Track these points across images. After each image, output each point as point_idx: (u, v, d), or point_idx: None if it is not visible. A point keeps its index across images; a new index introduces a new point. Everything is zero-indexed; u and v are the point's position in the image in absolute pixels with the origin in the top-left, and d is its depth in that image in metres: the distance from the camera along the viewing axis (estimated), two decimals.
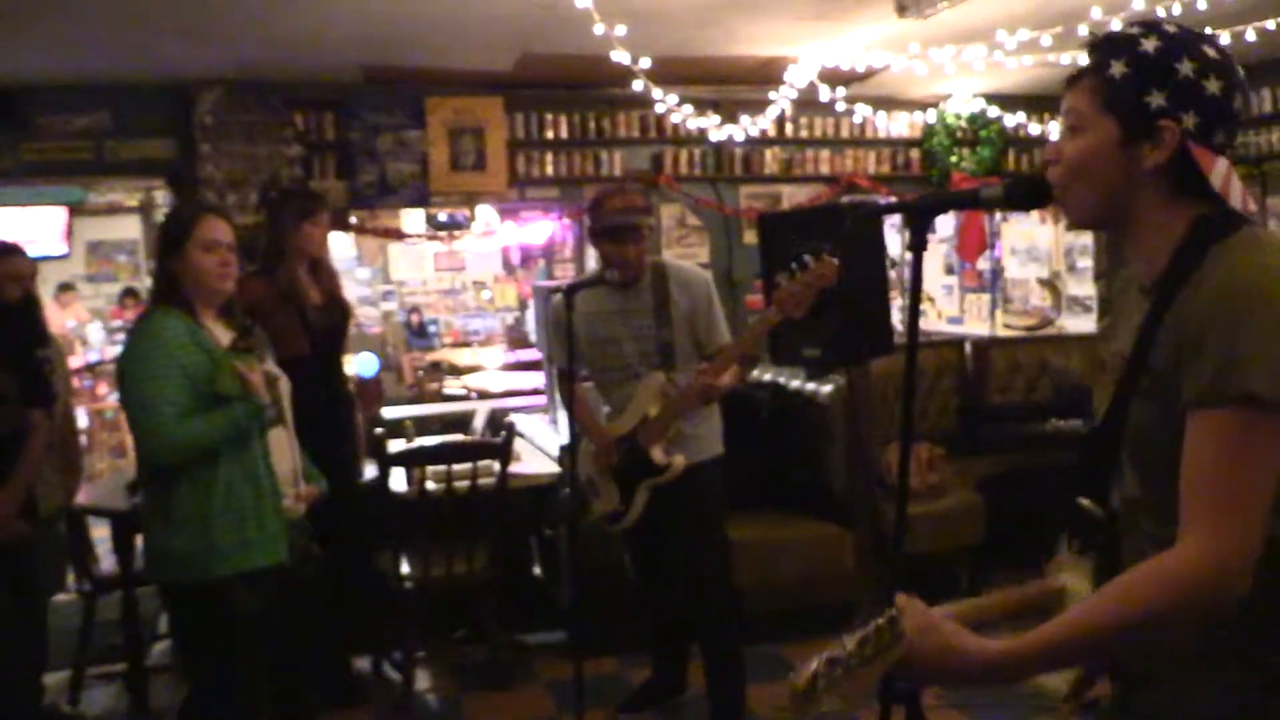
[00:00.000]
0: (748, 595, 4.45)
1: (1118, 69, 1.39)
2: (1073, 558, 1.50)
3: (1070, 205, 1.47)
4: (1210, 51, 1.39)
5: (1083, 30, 4.41)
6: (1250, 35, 4.44)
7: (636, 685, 3.93)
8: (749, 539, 4.50)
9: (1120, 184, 1.41)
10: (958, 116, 6.51)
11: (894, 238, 6.31)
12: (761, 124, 5.94)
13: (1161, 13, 4.21)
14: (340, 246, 6.40)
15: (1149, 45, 1.38)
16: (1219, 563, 1.25)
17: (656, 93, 5.22)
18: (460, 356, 7.99)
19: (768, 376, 5.20)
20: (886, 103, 6.31)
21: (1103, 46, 1.44)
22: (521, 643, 4.47)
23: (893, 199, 2.05)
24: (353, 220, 6.09)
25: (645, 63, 4.73)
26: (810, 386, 4.91)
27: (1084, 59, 1.47)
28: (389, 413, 5.27)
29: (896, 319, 4.63)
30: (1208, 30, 3.83)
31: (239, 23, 4.42)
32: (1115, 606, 1.29)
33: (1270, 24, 4.36)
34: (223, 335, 2.76)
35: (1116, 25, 4.33)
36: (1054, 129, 6.28)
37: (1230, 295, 1.28)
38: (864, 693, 1.31)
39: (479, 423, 5.13)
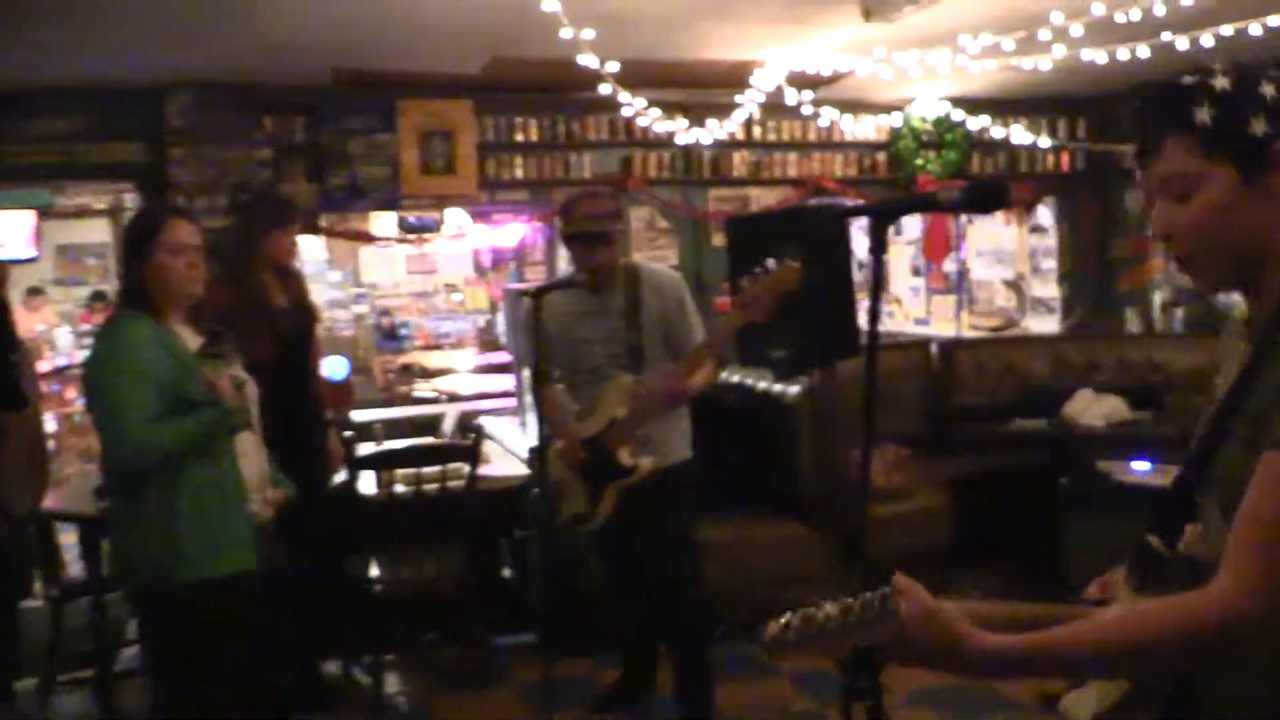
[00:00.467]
0: (717, 596, 4.48)
1: (1205, 114, 1.32)
2: (1127, 592, 1.46)
3: (1204, 272, 1.39)
4: (1271, 73, 1.36)
5: (1043, 35, 4.48)
6: (1208, 41, 4.52)
7: (607, 686, 3.95)
8: (718, 540, 4.53)
9: (1259, 226, 1.33)
10: (923, 120, 6.58)
11: (861, 240, 6.37)
12: (729, 127, 5.98)
13: (1120, 19, 4.28)
14: (311, 250, 6.38)
15: (1222, 82, 1.33)
16: (1251, 610, 1.22)
17: (625, 96, 5.24)
18: (431, 359, 7.97)
19: (736, 378, 5.23)
20: (853, 106, 6.37)
21: (1171, 104, 1.36)
22: (492, 645, 4.47)
23: (859, 201, 2.08)
24: (323, 223, 6.07)
25: (613, 66, 4.75)
26: (778, 388, 4.95)
27: (1137, 127, 1.40)
28: (359, 416, 5.26)
29: (863, 321, 4.68)
30: (1165, 36, 3.88)
31: (210, 26, 4.41)
32: (1127, 628, 1.28)
33: (1228, 29, 4.44)
34: (190, 339, 2.75)
35: (1078, 30, 4.41)
36: (1015, 132, 6.36)
37: None
38: (833, 657, 1.32)
39: (448, 425, 5.13)
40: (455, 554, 4.09)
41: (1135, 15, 4.25)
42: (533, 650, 4.31)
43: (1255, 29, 4.38)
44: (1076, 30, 4.41)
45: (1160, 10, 4.20)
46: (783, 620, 1.28)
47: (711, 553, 4.48)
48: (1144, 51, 4.70)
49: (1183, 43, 4.51)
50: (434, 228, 7.95)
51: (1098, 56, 4.84)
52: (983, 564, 4.97)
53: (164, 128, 5.43)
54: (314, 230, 5.97)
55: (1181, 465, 1.43)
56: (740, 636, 4.45)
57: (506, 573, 4.83)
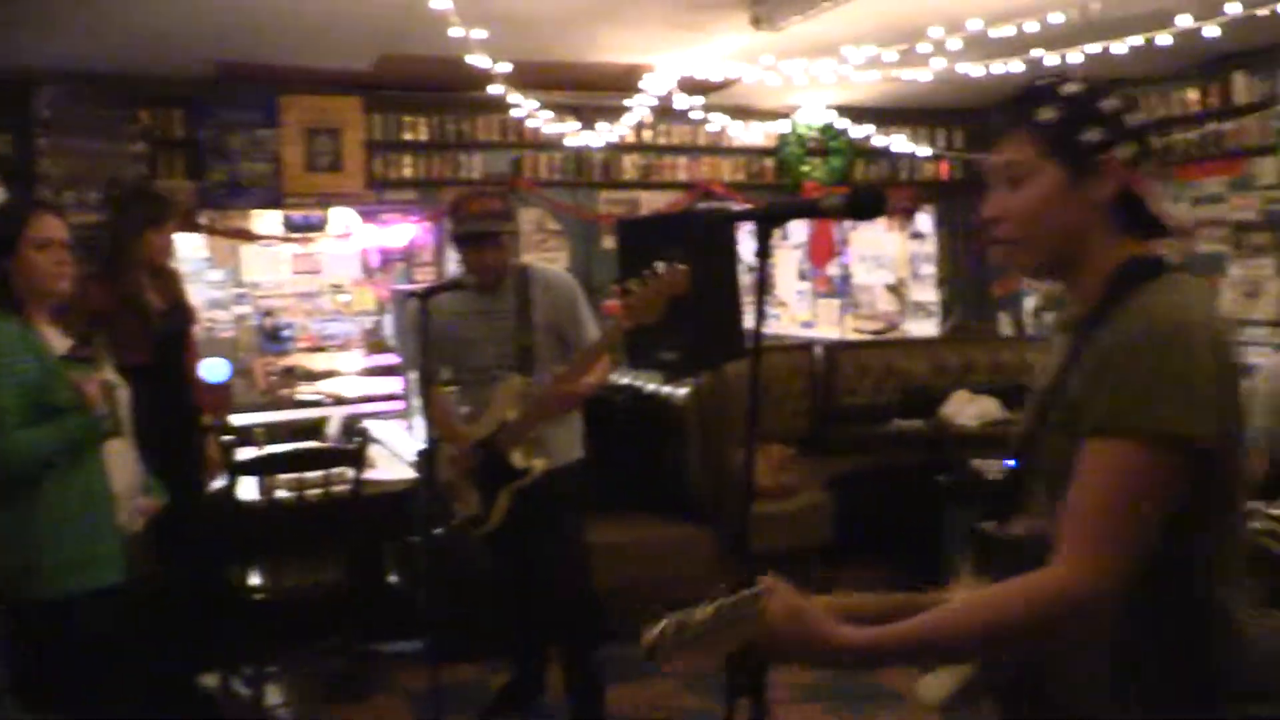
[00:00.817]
0: (607, 597, 4.49)
1: (1048, 114, 1.42)
2: (969, 577, 1.53)
3: (1025, 257, 1.48)
4: (1121, 92, 1.45)
5: (923, 48, 4.63)
6: (1075, 58, 4.73)
7: (496, 690, 3.92)
8: (608, 541, 4.53)
9: (1074, 224, 1.43)
10: (809, 127, 6.73)
11: (748, 244, 6.47)
12: (620, 130, 6.02)
13: (995, 34, 4.45)
14: (190, 248, 6.15)
15: (1071, 88, 1.43)
16: (1086, 588, 1.29)
17: (516, 97, 5.22)
18: (315, 361, 7.78)
19: (625, 380, 5.26)
20: (742, 112, 6.47)
21: (1025, 99, 1.46)
22: (378, 652, 4.39)
23: (747, 206, 2.12)
24: (202, 221, 5.88)
25: (505, 67, 4.73)
26: (667, 389, 4.99)
27: (999, 119, 1.49)
28: (240, 420, 5.11)
29: (750, 323, 4.75)
30: (1037, 52, 4.08)
31: (82, 15, 4.23)
32: (980, 613, 1.34)
33: (1095, 48, 4.66)
34: (57, 341, 2.63)
35: (955, 44, 4.58)
36: (896, 141, 6.56)
37: (1136, 333, 1.32)
38: (713, 659, 1.34)
39: (333, 429, 5.02)
40: (340, 560, 4.01)
41: (1009, 31, 4.43)
42: (420, 657, 4.25)
43: (1119, 48, 4.61)
44: (954, 44, 4.57)
45: (1032, 27, 4.39)
46: (659, 627, 1.30)
47: (601, 554, 4.48)
48: (1017, 66, 4.91)
49: (1052, 58, 4.71)
50: (320, 227, 7.76)
51: (973, 70, 5.03)
52: (864, 560, 5.10)
53: (32, 119, 5.19)
54: (192, 228, 5.78)
55: (1015, 451, 1.52)
56: (630, 637, 4.49)
57: (393, 578, 4.75)
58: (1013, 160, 1.44)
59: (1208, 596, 1.38)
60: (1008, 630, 1.32)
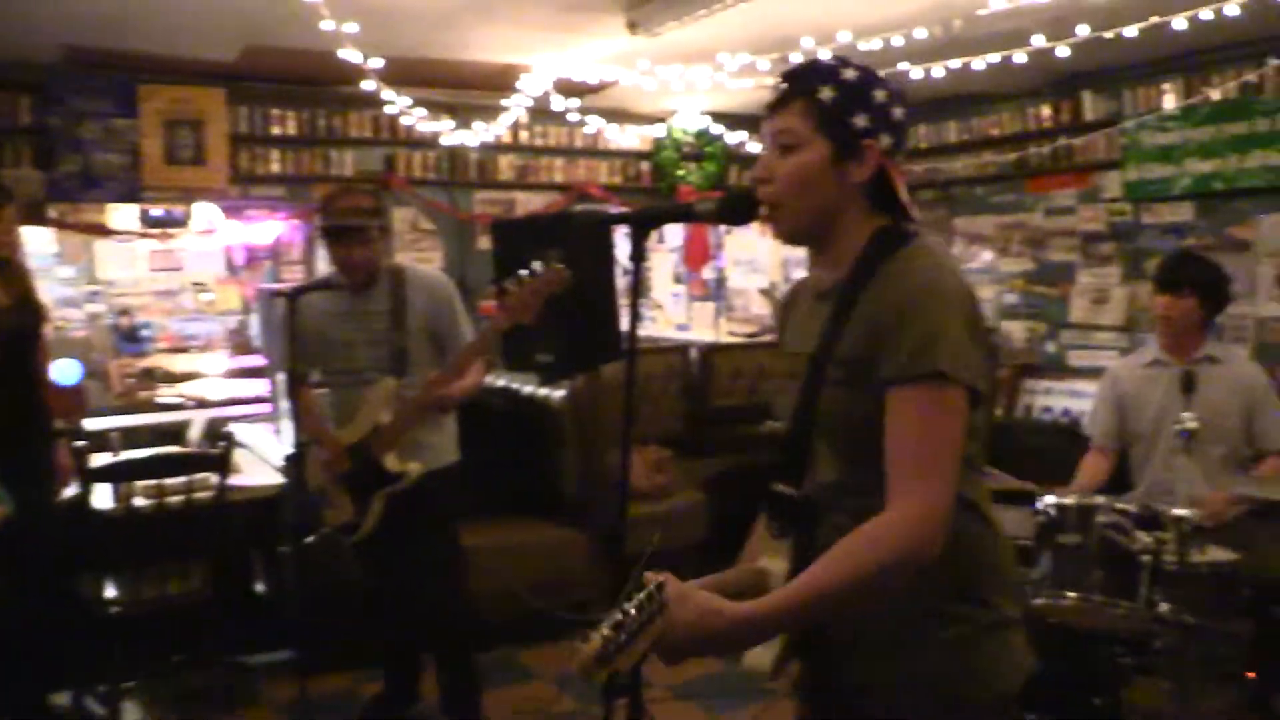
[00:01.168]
0: (482, 601, 4.45)
1: (827, 93, 1.54)
2: (771, 542, 1.62)
3: (783, 219, 1.59)
4: (890, 85, 1.58)
5: (795, 58, 4.74)
6: (938, 72, 4.92)
7: (368, 700, 3.84)
8: (483, 545, 4.50)
9: (830, 199, 1.56)
10: (685, 132, 6.81)
11: (626, 246, 6.51)
12: (496, 130, 5.97)
13: (863, 46, 4.59)
14: (39, 242, 5.82)
15: (850, 74, 1.56)
16: (927, 519, 1.40)
17: (389, 93, 5.13)
18: (176, 363, 7.47)
19: (501, 382, 5.22)
20: (618, 115, 6.51)
21: (809, 73, 1.58)
22: (244, 664, 4.26)
23: (623, 209, 2.15)
24: (52, 214, 5.57)
25: (377, 62, 4.64)
26: (543, 392, 4.98)
27: (781, 84, 1.61)
28: (93, 424, 4.87)
29: (626, 325, 4.78)
30: (901, 66, 4.22)
31: None
32: (845, 563, 1.41)
33: (955, 63, 4.85)
34: None
35: (826, 55, 4.70)
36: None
37: (920, 290, 1.46)
38: (637, 660, 1.35)
39: (195, 433, 4.84)
40: (203, 570, 3.86)
41: (876, 45, 4.58)
42: (288, 668, 4.14)
43: (978, 64, 4.82)
44: (824, 55, 4.69)
45: (898, 42, 4.54)
46: (598, 638, 1.30)
47: (476, 558, 4.45)
48: None
49: (917, 73, 4.89)
50: (181, 222, 7.47)
51: None
52: (737, 557, 5.19)
53: None
54: (41, 220, 5.48)
55: (792, 415, 1.61)
56: (505, 641, 4.46)
57: (260, 588, 4.60)
58: (788, 128, 1.56)
59: (980, 530, 1.56)
60: (869, 576, 1.40)
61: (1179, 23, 4.18)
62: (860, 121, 1.53)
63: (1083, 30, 4.35)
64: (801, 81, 1.57)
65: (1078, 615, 3.00)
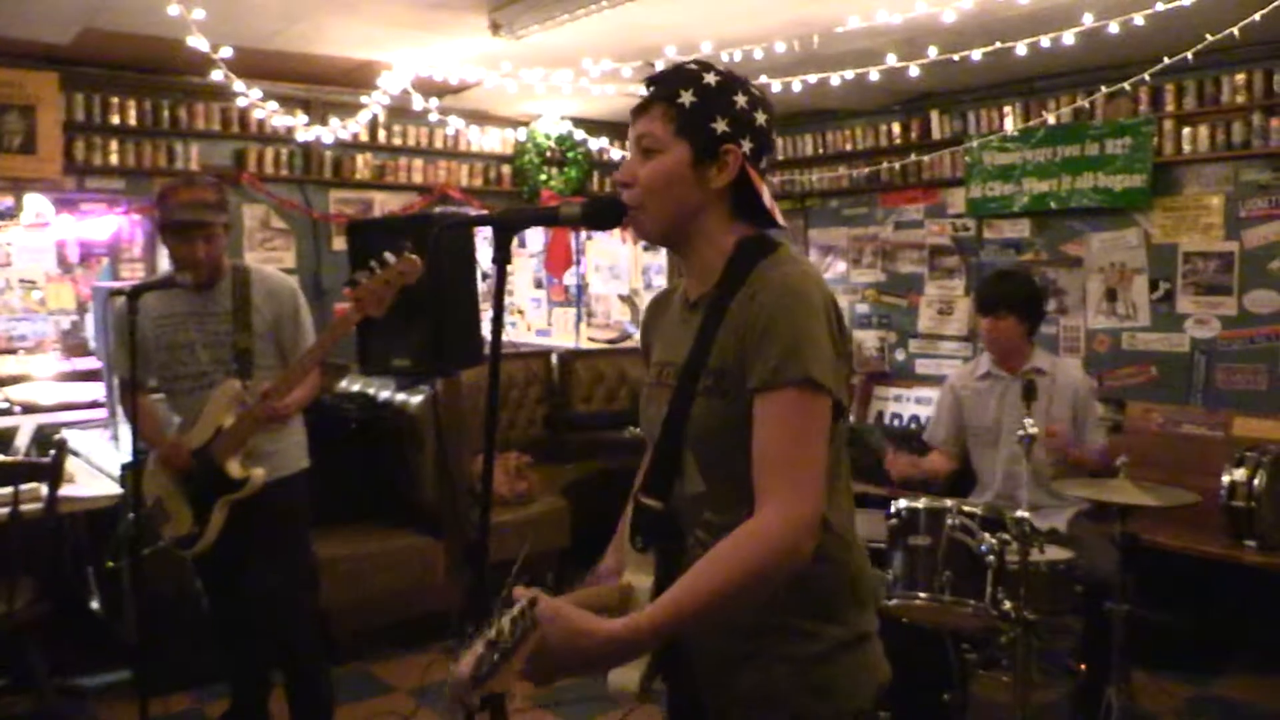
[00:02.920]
0: (335, 613, 4.32)
1: (688, 98, 1.55)
2: (634, 554, 1.60)
3: (645, 223, 1.59)
4: (754, 90, 1.60)
5: (659, 65, 4.78)
6: (796, 86, 5.04)
7: None
8: (336, 555, 4.37)
9: (691, 203, 1.56)
10: (547, 136, 6.78)
11: (486, 250, 6.44)
12: (353, 128, 5.82)
13: (725, 57, 4.67)
14: None
15: (711, 79, 1.57)
16: (799, 520, 1.40)
17: (239, 85, 4.93)
18: (3, 364, 7.02)
19: (356, 387, 5.09)
20: (480, 117, 6.43)
21: (671, 78, 1.58)
22: (77, 686, 4.02)
23: (484, 212, 2.11)
24: None
25: (226, 52, 4.45)
26: (400, 397, 4.87)
27: (644, 90, 1.61)
28: None
29: (487, 330, 4.73)
30: (762, 79, 4.30)
31: None
32: (717, 571, 1.39)
33: (812, 78, 4.98)
34: None
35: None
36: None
37: (787, 297, 1.47)
38: (514, 681, 1.29)
39: (23, 440, 4.54)
40: (32, 586, 3.61)
41: (737, 57, 4.66)
42: (126, 688, 3.93)
43: (835, 80, 4.96)
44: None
45: (758, 55, 4.64)
46: (473, 655, 1.24)
47: (328, 568, 4.32)
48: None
49: (776, 86, 5.00)
50: (9, 215, 7.02)
51: None
52: (599, 563, 5.19)
53: None
54: None
55: (660, 427, 1.61)
56: (358, 654, 4.34)
57: (95, 604, 4.34)
58: (649, 132, 1.57)
59: (837, 551, 1.56)
60: (739, 584, 1.39)
61: (1020, 49, 4.40)
62: (720, 126, 1.54)
63: (932, 52, 4.54)
64: (663, 86, 1.57)
65: (928, 614, 3.11)
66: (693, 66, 1.59)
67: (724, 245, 1.58)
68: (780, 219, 1.61)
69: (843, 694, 1.56)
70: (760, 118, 1.57)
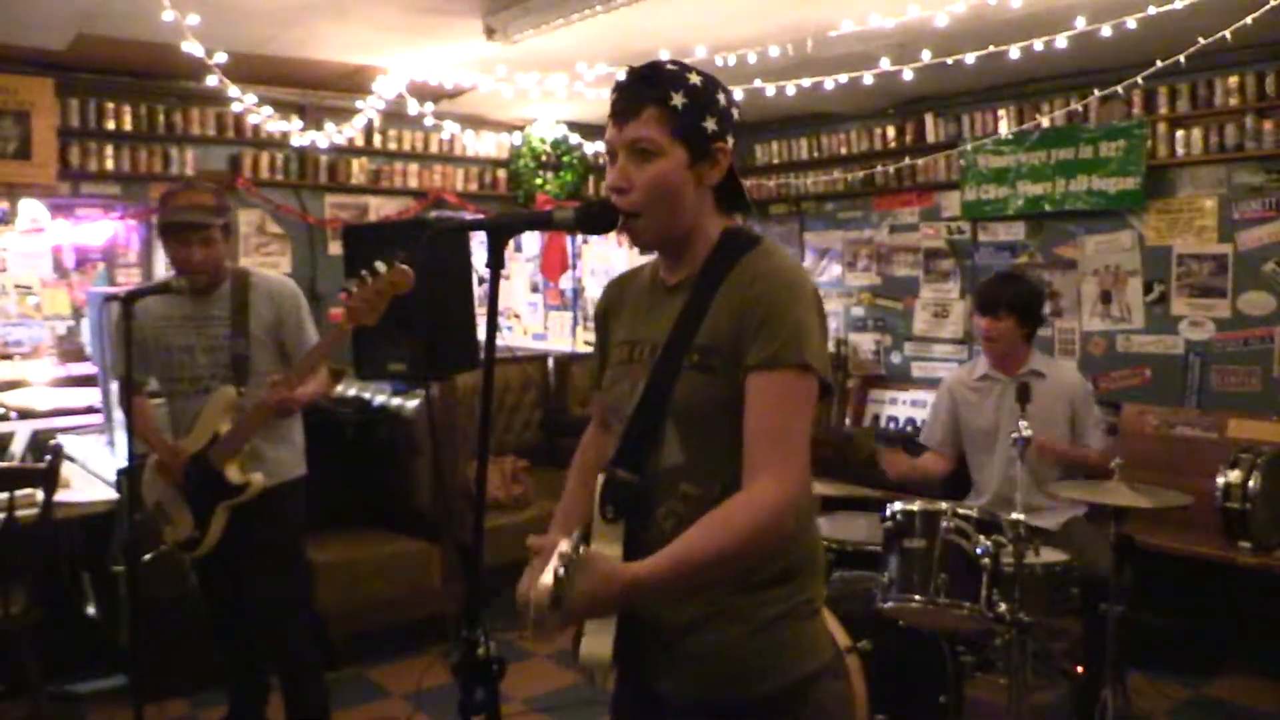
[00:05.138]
0: (331, 618, 4.32)
1: (679, 100, 1.57)
2: (603, 524, 1.63)
3: (644, 228, 1.61)
4: (725, 86, 1.66)
5: None
6: (790, 90, 5.05)
7: None
8: (333, 560, 4.37)
9: (690, 202, 1.61)
10: (542, 141, 6.79)
11: (482, 255, 6.43)
12: (348, 132, 5.82)
13: (719, 62, 4.67)
14: None
15: (695, 79, 1.61)
16: (790, 492, 1.50)
17: (234, 90, 4.93)
18: None
19: (353, 392, 5.09)
20: (475, 122, 6.44)
21: (659, 81, 1.59)
22: (72, 692, 4.01)
23: (480, 216, 2.13)
24: None
25: (221, 57, 4.45)
26: (396, 402, 4.87)
27: (615, 93, 1.64)
28: None
29: (482, 334, 4.72)
30: (756, 83, 4.30)
31: None
32: (716, 535, 1.49)
33: (806, 82, 4.99)
34: None
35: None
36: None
37: (785, 288, 1.56)
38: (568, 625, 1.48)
39: (19, 446, 4.53)
40: (27, 592, 3.61)
41: (731, 60, 4.67)
42: (122, 694, 3.92)
43: (829, 84, 4.97)
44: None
45: (752, 58, 4.65)
46: (550, 576, 1.40)
47: (326, 573, 4.32)
48: (738, 94, 5.18)
49: (770, 89, 5.01)
50: (4, 220, 7.02)
51: None
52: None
53: None
54: None
55: (639, 401, 1.65)
56: (355, 659, 4.33)
57: (91, 610, 4.34)
58: (644, 136, 1.59)
59: (803, 519, 1.63)
60: (740, 543, 1.49)
61: (1013, 52, 4.41)
62: (711, 125, 1.59)
63: (925, 55, 4.55)
64: (652, 89, 1.58)
65: (923, 617, 3.12)
66: (674, 67, 1.62)
67: (711, 235, 1.65)
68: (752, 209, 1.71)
69: (796, 657, 1.63)
70: (735, 113, 1.65)
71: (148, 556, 3.17)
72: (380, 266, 2.95)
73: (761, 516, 1.48)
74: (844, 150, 6.57)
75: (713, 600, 1.59)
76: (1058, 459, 3.77)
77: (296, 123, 5.60)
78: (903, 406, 6.24)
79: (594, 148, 6.78)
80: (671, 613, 1.62)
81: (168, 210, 3.17)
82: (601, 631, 1.57)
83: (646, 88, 1.59)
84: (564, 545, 1.48)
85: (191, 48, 4.24)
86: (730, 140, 1.63)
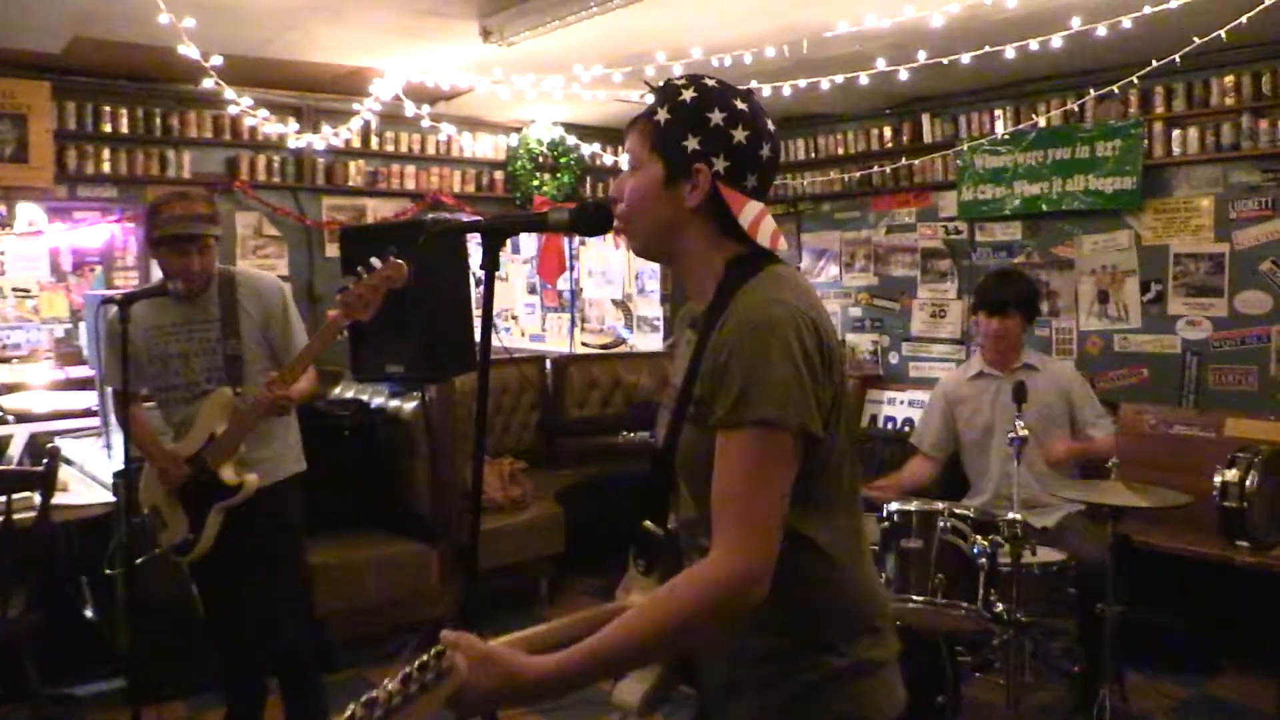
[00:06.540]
0: (330, 619, 4.32)
1: (663, 115, 1.53)
2: (639, 577, 1.59)
3: (631, 237, 1.60)
4: (740, 104, 1.53)
5: (649, 71, 4.79)
6: (786, 90, 5.06)
7: None
8: (331, 561, 4.37)
9: (667, 220, 1.53)
10: (539, 142, 6.79)
11: (478, 256, 6.43)
12: (345, 134, 5.82)
13: (715, 63, 4.67)
14: None
15: (688, 95, 1.53)
16: (742, 570, 1.35)
17: (230, 93, 4.93)
18: None
19: (350, 394, 5.08)
20: (472, 124, 6.44)
21: (658, 92, 1.57)
22: (70, 695, 4.01)
23: (476, 218, 2.11)
24: None
25: (217, 60, 4.45)
26: (394, 403, 4.87)
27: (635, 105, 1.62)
28: None
29: (479, 336, 4.72)
30: (753, 84, 4.31)
31: None
32: (654, 613, 1.37)
33: (802, 83, 5.00)
34: None
35: (678, 70, 4.77)
36: (624, 160, 6.75)
37: (747, 328, 1.40)
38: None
39: (16, 449, 4.53)
40: (25, 595, 3.61)
41: (727, 62, 4.67)
42: (120, 697, 3.92)
43: (825, 84, 4.97)
44: (677, 70, 4.76)
45: (748, 60, 4.65)
46: (346, 713, 1.21)
47: (324, 575, 4.32)
48: None
49: (766, 90, 5.01)
50: (2, 223, 7.02)
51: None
52: (594, 569, 5.19)
53: None
54: None
55: (660, 451, 1.58)
56: (354, 661, 4.33)
57: (89, 613, 4.33)
58: (632, 148, 1.58)
59: (827, 574, 1.49)
60: (682, 624, 1.36)
61: (1009, 52, 4.42)
62: (691, 144, 1.50)
63: (921, 56, 4.55)
64: (652, 102, 1.57)
65: (921, 618, 3.12)
66: (678, 81, 1.56)
67: (715, 265, 1.53)
68: (767, 241, 1.53)
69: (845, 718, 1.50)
70: (739, 134, 1.50)
71: (140, 560, 3.16)
72: (376, 262, 2.96)
73: (708, 594, 1.35)
74: (841, 151, 6.58)
75: (751, 666, 1.51)
76: (1074, 460, 3.82)
77: (293, 125, 5.60)
78: (900, 407, 6.24)
79: (591, 149, 6.78)
80: (710, 674, 1.56)
81: (162, 221, 3.15)
82: (639, 681, 1.51)
83: (651, 101, 1.58)
84: (448, 635, 1.31)
85: (188, 51, 4.24)
86: (719, 162, 1.49)
